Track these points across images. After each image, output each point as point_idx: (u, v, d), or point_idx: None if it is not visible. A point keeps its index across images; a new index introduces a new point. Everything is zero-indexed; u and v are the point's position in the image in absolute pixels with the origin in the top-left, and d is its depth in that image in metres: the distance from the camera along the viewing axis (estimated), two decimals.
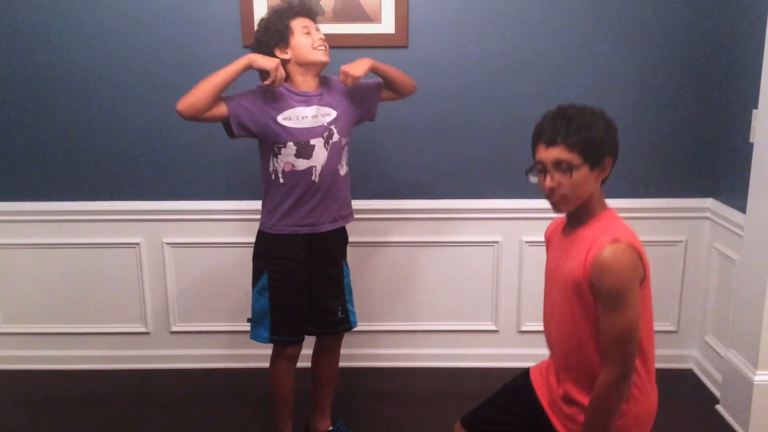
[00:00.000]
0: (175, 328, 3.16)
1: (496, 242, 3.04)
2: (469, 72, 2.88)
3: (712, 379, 2.94)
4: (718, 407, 2.77)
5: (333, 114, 2.27)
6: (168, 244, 3.06)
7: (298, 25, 2.21)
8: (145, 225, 3.04)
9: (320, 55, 2.22)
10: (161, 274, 3.09)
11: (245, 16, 2.81)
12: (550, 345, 1.83)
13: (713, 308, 2.96)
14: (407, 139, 2.94)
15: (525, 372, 1.94)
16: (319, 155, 2.23)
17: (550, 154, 1.64)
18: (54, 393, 2.99)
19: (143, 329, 3.16)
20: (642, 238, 3.02)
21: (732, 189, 2.80)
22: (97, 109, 2.93)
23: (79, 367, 3.16)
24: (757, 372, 2.52)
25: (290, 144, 2.20)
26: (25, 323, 3.15)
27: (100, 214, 3.02)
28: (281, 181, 2.24)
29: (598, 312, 1.61)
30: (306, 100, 2.23)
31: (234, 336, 3.16)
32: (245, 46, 2.83)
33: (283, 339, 2.34)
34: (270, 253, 2.31)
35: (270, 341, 2.35)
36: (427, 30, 2.84)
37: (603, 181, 1.70)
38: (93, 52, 2.87)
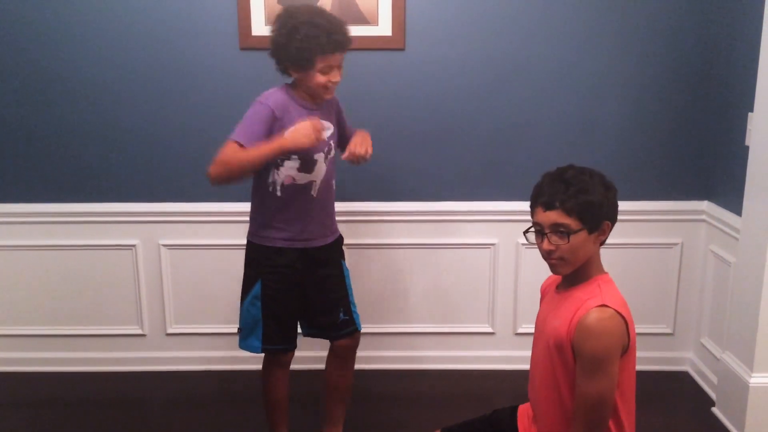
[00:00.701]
0: (171, 330, 3.15)
1: (493, 244, 3.04)
2: (466, 74, 2.89)
3: (707, 381, 2.95)
4: (714, 409, 2.77)
5: (331, 129, 2.26)
6: (164, 245, 3.05)
7: (322, 62, 2.09)
8: (141, 227, 3.03)
9: (324, 94, 2.16)
10: (157, 276, 3.09)
11: (242, 18, 2.81)
12: (532, 392, 1.83)
13: (709, 310, 2.97)
14: (403, 142, 2.94)
15: (514, 408, 1.93)
16: (320, 170, 2.21)
17: (547, 217, 1.64)
18: (50, 395, 2.99)
19: (139, 331, 3.15)
20: (638, 240, 3.06)
21: (728, 192, 2.81)
22: (93, 111, 2.92)
23: (74, 369, 3.15)
24: (753, 374, 2.53)
25: (294, 157, 2.16)
26: (21, 325, 3.14)
27: (96, 216, 3.01)
28: (278, 194, 2.20)
29: (576, 373, 1.62)
30: (310, 113, 2.19)
31: (230, 338, 3.14)
32: (242, 49, 2.84)
33: (277, 348, 2.31)
34: (264, 262, 2.26)
35: (262, 351, 2.31)
36: (424, 32, 2.85)
37: (601, 244, 1.70)
38: (89, 54, 2.86)
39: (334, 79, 2.14)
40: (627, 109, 2.92)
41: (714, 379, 2.85)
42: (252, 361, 3.13)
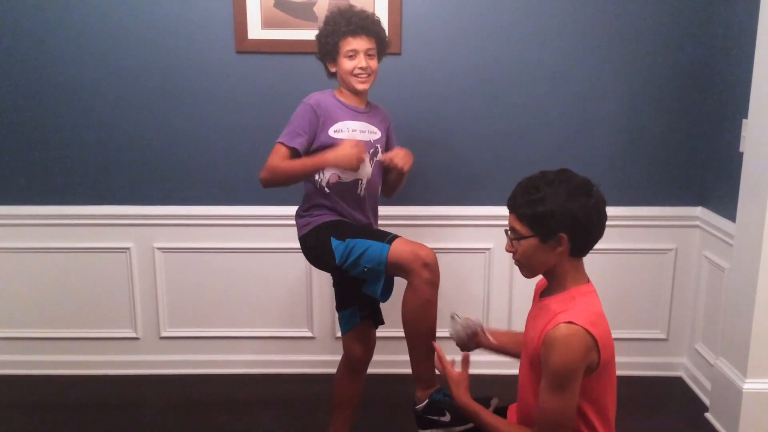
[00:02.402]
0: (164, 334, 3.14)
1: (488, 249, 3.04)
2: (461, 79, 2.89)
3: (701, 386, 2.95)
4: (708, 415, 2.78)
5: (378, 134, 2.30)
6: (159, 248, 3.05)
7: (345, 46, 2.17)
8: (135, 230, 3.03)
9: (355, 82, 2.20)
10: (151, 279, 3.08)
11: (238, 21, 2.81)
12: (518, 393, 1.83)
13: (703, 316, 2.97)
14: (399, 145, 2.94)
15: (504, 408, 1.92)
16: (366, 169, 2.24)
17: (509, 219, 1.67)
18: (43, 398, 2.97)
19: (133, 334, 3.14)
20: (632, 246, 3.06)
21: (722, 198, 2.82)
22: (88, 114, 2.91)
23: (68, 372, 3.14)
24: (746, 380, 2.53)
25: None
26: (14, 328, 3.13)
27: (90, 219, 3.00)
28: (326, 190, 2.23)
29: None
30: (354, 114, 2.24)
31: (224, 342, 3.15)
32: (238, 52, 2.84)
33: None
34: (330, 224, 2.21)
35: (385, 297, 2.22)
36: (420, 37, 2.85)
37: (577, 255, 1.66)
38: (83, 56, 2.86)
39: (361, 65, 2.17)
40: (622, 114, 2.93)
41: (708, 384, 2.86)
42: (246, 366, 3.13)
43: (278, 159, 2.16)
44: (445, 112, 2.92)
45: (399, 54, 2.85)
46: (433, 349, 2.14)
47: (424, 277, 2.12)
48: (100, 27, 2.83)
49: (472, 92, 2.90)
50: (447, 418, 2.12)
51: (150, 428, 2.75)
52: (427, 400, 2.16)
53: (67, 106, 2.91)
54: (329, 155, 2.13)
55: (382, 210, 2.99)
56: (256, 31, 2.83)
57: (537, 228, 1.61)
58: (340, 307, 2.37)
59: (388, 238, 2.13)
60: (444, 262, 3.04)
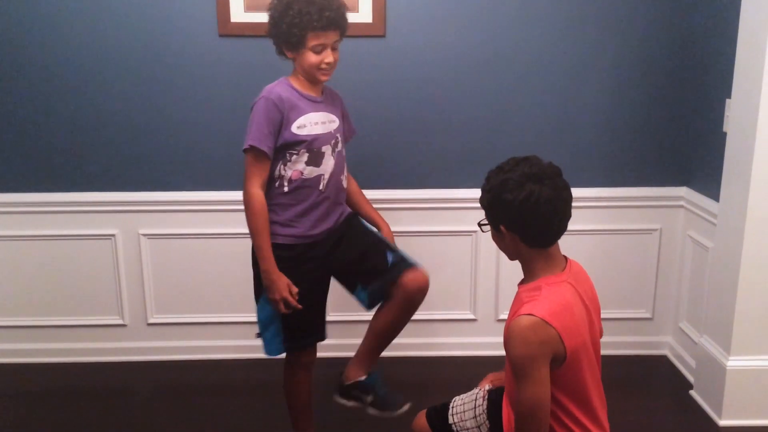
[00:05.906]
0: (151, 320, 3.13)
1: (474, 232, 3.05)
2: (446, 62, 2.88)
3: (686, 365, 2.99)
4: (692, 392, 2.81)
5: (337, 122, 2.21)
6: (144, 235, 3.03)
7: (313, 40, 2.06)
8: (120, 216, 3.01)
9: (320, 75, 2.12)
10: (137, 266, 3.06)
11: (221, 4, 2.78)
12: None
13: (687, 295, 3.00)
14: (383, 129, 2.93)
15: (501, 388, 1.92)
16: (328, 163, 2.16)
17: None
18: (29, 386, 2.97)
19: (120, 321, 3.13)
20: (617, 226, 3.08)
21: (706, 178, 2.84)
22: (70, 99, 2.88)
23: (54, 360, 3.13)
24: (730, 357, 2.56)
25: (303, 151, 2.11)
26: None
27: (75, 206, 2.98)
28: (285, 189, 2.13)
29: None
30: (313, 105, 2.15)
31: (211, 327, 3.14)
32: (221, 36, 2.81)
33: (299, 345, 2.24)
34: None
35: (285, 351, 2.23)
36: (404, 19, 2.84)
37: (532, 246, 1.64)
38: (63, 41, 2.82)
39: (327, 60, 2.09)
40: (606, 96, 2.93)
41: (692, 362, 2.89)
42: (234, 351, 3.13)
43: (256, 181, 2.08)
44: (430, 94, 2.91)
45: (383, 36, 2.83)
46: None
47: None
48: (80, 10, 2.79)
49: (457, 75, 2.90)
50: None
51: (138, 414, 2.75)
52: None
53: (47, 92, 2.87)
54: (267, 277, 2.10)
55: (369, 195, 3.00)
56: (239, 14, 2.80)
57: (488, 217, 1.67)
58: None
59: (286, 346, 2.24)
60: (430, 246, 3.07)
